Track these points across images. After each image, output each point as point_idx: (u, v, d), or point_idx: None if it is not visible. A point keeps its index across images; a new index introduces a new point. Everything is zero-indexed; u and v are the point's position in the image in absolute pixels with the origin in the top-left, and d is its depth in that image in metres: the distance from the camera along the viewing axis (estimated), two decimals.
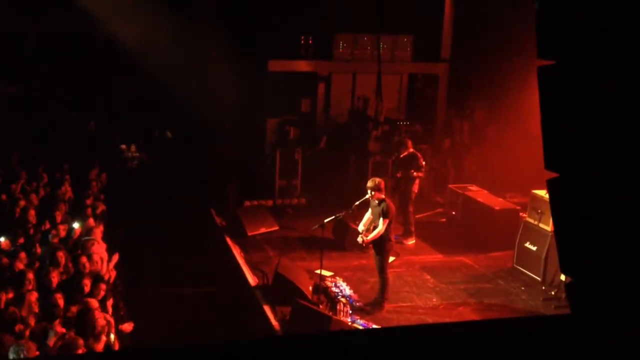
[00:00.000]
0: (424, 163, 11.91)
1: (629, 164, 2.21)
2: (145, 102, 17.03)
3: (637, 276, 2.26)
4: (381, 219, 8.91)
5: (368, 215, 9.29)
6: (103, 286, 7.87)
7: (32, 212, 10.07)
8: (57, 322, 6.96)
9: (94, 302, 7.33)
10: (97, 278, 8.11)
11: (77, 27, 16.63)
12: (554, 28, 2.35)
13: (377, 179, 9.25)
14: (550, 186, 2.47)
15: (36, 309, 7.05)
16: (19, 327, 6.67)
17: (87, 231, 9.64)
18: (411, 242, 11.84)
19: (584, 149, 2.33)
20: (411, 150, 11.91)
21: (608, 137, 2.25)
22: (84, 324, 7.00)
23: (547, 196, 9.66)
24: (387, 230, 8.96)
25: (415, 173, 11.66)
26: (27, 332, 6.66)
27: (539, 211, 10.21)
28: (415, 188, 11.82)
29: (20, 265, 8.07)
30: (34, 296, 7.15)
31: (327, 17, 14.91)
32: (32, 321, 6.87)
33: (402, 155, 11.98)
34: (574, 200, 2.41)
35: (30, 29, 17.08)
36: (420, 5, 15.04)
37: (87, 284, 7.92)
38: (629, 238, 2.25)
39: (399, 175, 11.83)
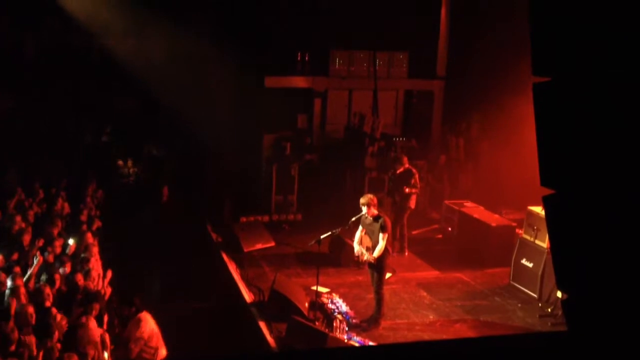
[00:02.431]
0: (418, 180, 11.92)
1: (624, 180, 2.21)
2: (142, 117, 17.05)
3: (633, 293, 2.25)
4: (381, 234, 8.89)
5: (359, 233, 9.25)
6: (98, 303, 7.84)
7: (27, 229, 10.03)
8: (54, 338, 6.94)
9: (89, 319, 7.30)
10: (92, 295, 8.08)
11: (74, 41, 16.68)
12: (549, 45, 2.37)
13: (370, 195, 9.24)
14: (546, 203, 2.47)
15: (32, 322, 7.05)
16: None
17: (84, 247, 9.61)
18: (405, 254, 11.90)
19: (579, 166, 2.34)
20: (407, 166, 11.94)
21: (603, 153, 2.26)
22: (78, 341, 6.97)
23: (543, 213, 9.68)
24: (387, 245, 8.97)
25: (407, 190, 11.67)
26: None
27: (535, 228, 10.21)
28: (412, 204, 11.82)
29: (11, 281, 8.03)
30: (31, 309, 7.15)
31: (324, 34, 14.99)
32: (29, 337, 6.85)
33: (397, 172, 11.99)
34: (569, 216, 2.41)
35: (26, 42, 17.11)
36: (415, 22, 15.14)
37: (82, 300, 7.90)
38: (625, 254, 2.24)
39: (407, 190, 11.76)
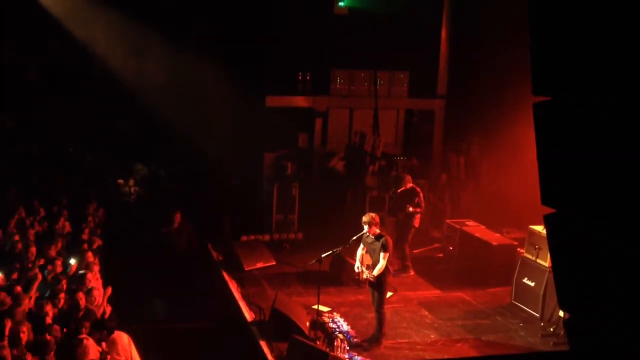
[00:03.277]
0: (423, 199, 11.89)
1: (624, 199, 2.21)
2: (144, 136, 17.11)
3: (634, 312, 2.25)
4: (382, 253, 8.87)
5: (360, 252, 9.23)
6: (89, 321, 7.83)
7: (29, 247, 10.02)
8: (50, 355, 6.94)
9: (87, 338, 7.28)
10: (91, 314, 8.07)
11: (76, 62, 16.80)
12: (549, 65, 2.38)
13: (372, 214, 9.21)
14: (547, 222, 2.48)
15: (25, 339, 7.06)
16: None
17: (85, 265, 9.61)
18: (410, 273, 11.86)
19: (580, 184, 2.34)
20: (411, 185, 11.94)
21: (603, 172, 2.27)
22: (77, 359, 6.95)
23: (544, 232, 9.66)
24: (387, 264, 8.95)
25: (411, 209, 11.68)
26: None
27: (537, 247, 10.19)
28: (416, 223, 11.84)
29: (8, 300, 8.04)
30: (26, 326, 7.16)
31: (325, 53, 15.07)
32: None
33: (399, 190, 12.01)
34: (570, 235, 2.41)
35: (29, 64, 17.24)
36: (416, 42, 15.23)
37: (82, 318, 7.89)
38: (626, 273, 2.24)
39: (410, 209, 11.76)
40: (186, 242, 12.28)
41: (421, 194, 11.86)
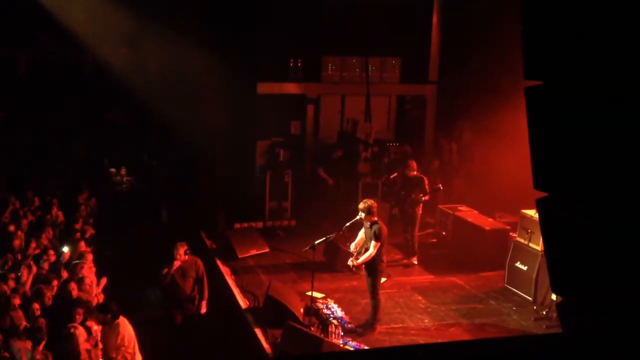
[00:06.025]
0: (428, 185, 11.87)
1: (617, 183, 2.22)
2: (135, 126, 17.06)
3: (628, 295, 2.27)
4: (372, 241, 8.88)
5: (360, 235, 9.26)
6: (82, 308, 7.83)
7: (21, 236, 10.02)
8: (41, 346, 6.96)
9: (79, 328, 7.29)
10: (84, 303, 8.07)
11: (67, 53, 16.70)
12: (541, 49, 2.38)
13: (370, 201, 9.19)
14: (540, 206, 2.48)
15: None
16: None
17: (78, 255, 9.60)
18: (414, 261, 11.89)
19: (572, 169, 2.35)
20: (414, 172, 11.89)
21: (596, 156, 2.27)
22: (68, 350, 6.96)
23: (536, 216, 9.71)
24: (379, 252, 8.94)
25: (425, 197, 11.69)
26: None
27: (529, 231, 10.24)
28: (420, 211, 11.89)
29: (7, 290, 8.04)
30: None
31: (316, 40, 15.02)
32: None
33: (392, 176, 12.04)
34: (563, 219, 2.42)
35: (19, 56, 17.14)
36: (407, 27, 15.19)
37: (74, 308, 7.89)
38: (618, 256, 2.26)
39: (424, 198, 11.77)
40: (192, 283, 9.35)
41: (426, 180, 11.86)
